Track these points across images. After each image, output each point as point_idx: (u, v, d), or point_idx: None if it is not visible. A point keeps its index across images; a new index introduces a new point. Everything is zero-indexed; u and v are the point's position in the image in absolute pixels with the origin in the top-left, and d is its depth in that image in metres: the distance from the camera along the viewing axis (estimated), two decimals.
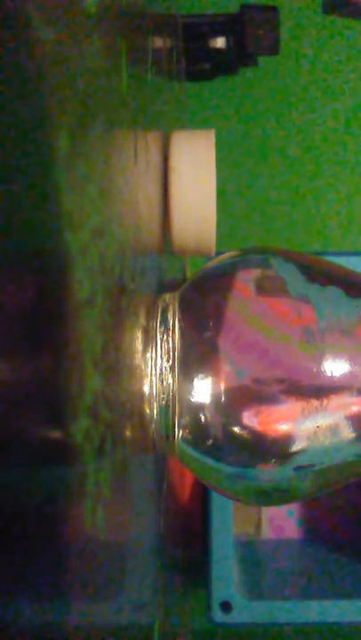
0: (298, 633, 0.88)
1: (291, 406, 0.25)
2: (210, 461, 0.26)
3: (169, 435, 0.26)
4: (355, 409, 0.25)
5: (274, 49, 0.86)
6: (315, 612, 0.75)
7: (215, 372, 0.25)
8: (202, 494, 0.78)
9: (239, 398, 0.25)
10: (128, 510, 0.23)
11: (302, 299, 0.26)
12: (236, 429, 0.25)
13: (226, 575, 0.74)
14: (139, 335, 0.25)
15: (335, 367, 0.25)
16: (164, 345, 0.26)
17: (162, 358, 0.26)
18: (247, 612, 0.75)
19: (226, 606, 0.74)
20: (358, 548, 0.90)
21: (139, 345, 0.25)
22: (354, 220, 0.97)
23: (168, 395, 0.25)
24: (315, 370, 0.25)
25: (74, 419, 0.14)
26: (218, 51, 0.85)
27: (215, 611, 0.74)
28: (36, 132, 0.12)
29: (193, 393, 0.25)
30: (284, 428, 0.25)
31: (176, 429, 0.26)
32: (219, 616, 0.74)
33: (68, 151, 0.14)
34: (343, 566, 0.86)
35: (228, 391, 0.25)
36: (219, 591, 0.74)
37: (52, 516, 0.13)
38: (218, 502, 0.74)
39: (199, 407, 0.25)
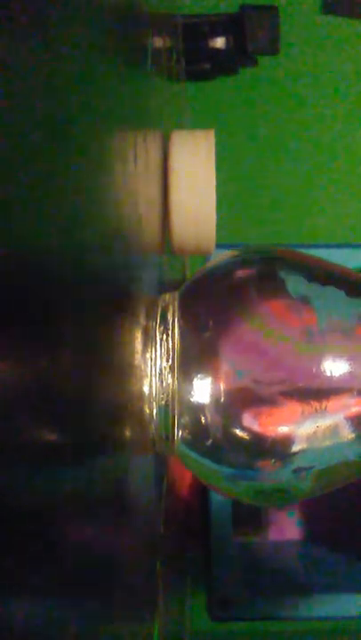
0: (298, 628, 0.88)
1: (290, 407, 0.25)
2: (209, 462, 0.26)
3: (169, 435, 0.26)
4: (354, 410, 0.25)
5: (274, 49, 0.86)
6: (314, 608, 0.75)
7: (215, 373, 0.25)
8: (202, 494, 0.78)
9: (239, 399, 0.25)
10: (128, 510, 0.23)
11: (302, 299, 0.26)
12: (236, 430, 0.25)
13: (225, 572, 0.74)
14: (139, 335, 0.25)
15: (335, 368, 0.25)
16: (164, 345, 0.26)
17: (162, 358, 0.26)
18: (247, 607, 0.75)
19: (226, 602, 0.74)
20: (359, 547, 0.90)
21: (139, 345, 0.25)
22: (354, 217, 0.97)
23: (168, 395, 0.25)
24: (314, 370, 0.25)
25: (73, 419, 0.14)
26: (218, 51, 0.85)
27: (215, 607, 0.74)
28: (36, 132, 0.12)
29: (193, 393, 0.25)
30: (283, 428, 0.25)
31: (176, 429, 0.26)
32: (219, 612, 0.74)
33: (67, 152, 0.14)
34: (344, 565, 0.86)
35: (228, 391, 0.25)
36: (218, 587, 0.74)
37: (52, 516, 0.13)
38: (218, 502, 0.74)
39: (199, 407, 0.25)
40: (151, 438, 0.26)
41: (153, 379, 0.26)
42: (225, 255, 0.29)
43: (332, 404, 0.25)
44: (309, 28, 0.96)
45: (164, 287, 0.38)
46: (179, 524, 0.58)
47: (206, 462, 0.26)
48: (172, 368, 0.26)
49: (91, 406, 0.16)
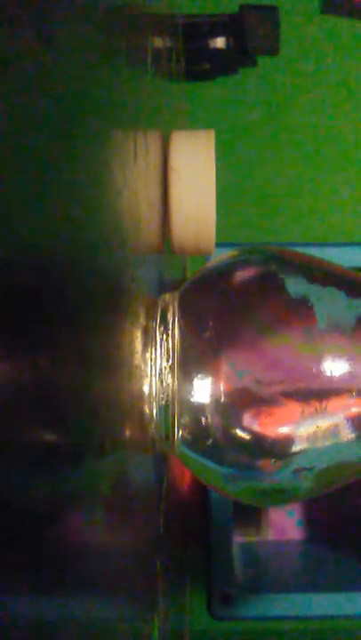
0: (298, 628, 0.88)
1: (290, 407, 0.25)
2: (209, 462, 0.26)
3: (169, 435, 0.26)
4: (354, 410, 0.25)
5: (273, 49, 0.86)
6: (315, 606, 0.75)
7: (215, 373, 0.25)
8: (202, 494, 0.78)
9: (239, 399, 0.25)
10: (128, 510, 0.23)
11: (302, 299, 0.26)
12: (236, 430, 0.25)
13: (226, 571, 0.74)
14: (139, 335, 0.25)
15: (335, 368, 0.25)
16: (164, 345, 0.26)
17: (162, 358, 0.26)
18: (247, 607, 0.75)
19: (227, 599, 0.74)
20: (359, 547, 0.90)
21: (139, 345, 0.25)
22: (354, 217, 0.97)
23: (168, 395, 0.25)
24: (314, 370, 0.25)
25: (74, 419, 0.14)
26: (218, 51, 0.85)
27: (216, 604, 0.74)
28: (36, 132, 0.12)
29: (193, 393, 0.25)
30: (283, 428, 0.25)
31: (176, 429, 0.26)
32: (219, 611, 0.74)
33: (67, 151, 0.14)
34: (344, 564, 0.86)
35: (228, 391, 0.25)
36: (219, 584, 0.74)
37: (52, 515, 0.13)
38: (218, 502, 0.74)
39: (199, 407, 0.25)
40: (151, 438, 0.26)
41: (153, 379, 0.26)
42: (225, 255, 0.29)
43: (332, 404, 0.25)
44: (309, 28, 0.96)
45: (164, 287, 0.38)
46: (179, 523, 0.58)
47: (206, 462, 0.26)
48: (172, 368, 0.26)
49: (91, 406, 0.16)
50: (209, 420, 0.25)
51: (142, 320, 0.26)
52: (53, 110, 0.13)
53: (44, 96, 0.12)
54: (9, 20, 0.10)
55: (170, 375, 0.26)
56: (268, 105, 0.97)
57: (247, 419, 0.25)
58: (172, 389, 0.25)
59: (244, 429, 0.25)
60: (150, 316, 0.27)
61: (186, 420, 0.26)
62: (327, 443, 0.25)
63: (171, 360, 0.26)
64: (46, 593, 0.13)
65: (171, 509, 0.43)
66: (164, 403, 0.26)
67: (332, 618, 0.76)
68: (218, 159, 0.37)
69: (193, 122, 0.92)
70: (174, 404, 0.25)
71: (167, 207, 0.36)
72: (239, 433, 0.25)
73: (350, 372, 0.25)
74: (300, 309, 0.26)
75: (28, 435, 0.11)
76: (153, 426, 0.26)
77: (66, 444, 0.14)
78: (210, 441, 0.26)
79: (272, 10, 0.85)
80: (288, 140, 0.97)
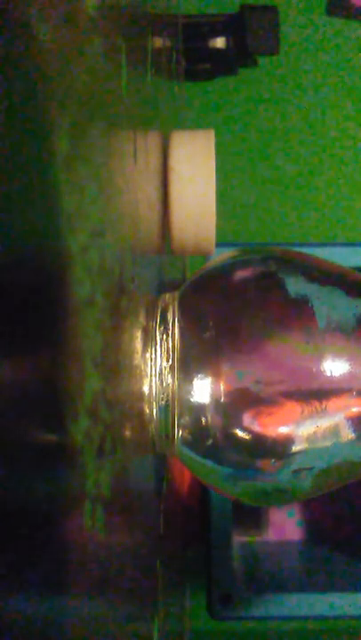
0: (298, 628, 0.88)
1: (290, 407, 0.25)
2: (209, 462, 0.26)
3: (169, 435, 0.26)
4: (354, 410, 0.25)
5: (274, 49, 0.86)
6: (315, 606, 0.75)
7: (215, 373, 0.25)
8: (202, 494, 0.78)
9: (239, 399, 0.25)
10: (128, 510, 0.23)
11: (302, 299, 0.26)
12: (236, 430, 0.25)
13: (226, 571, 0.74)
14: (138, 335, 0.25)
15: (335, 368, 0.25)
16: (164, 345, 0.26)
17: (162, 358, 0.26)
18: (247, 607, 0.75)
19: (226, 599, 0.74)
20: (359, 547, 0.90)
21: (138, 345, 0.25)
22: (354, 216, 0.97)
23: (168, 395, 0.25)
24: (314, 370, 0.25)
25: (73, 419, 0.14)
26: (218, 51, 0.85)
27: (215, 606, 0.74)
28: (36, 131, 0.12)
29: (193, 393, 0.25)
30: (283, 428, 0.25)
31: (176, 429, 0.26)
32: (219, 611, 0.74)
33: (67, 151, 0.14)
34: (344, 564, 0.86)
35: (228, 391, 0.25)
36: (219, 584, 0.74)
37: (52, 515, 0.13)
38: (218, 502, 0.74)
39: (199, 407, 0.25)
40: (151, 438, 0.26)
41: (153, 379, 0.26)
42: (225, 255, 0.29)
43: (332, 403, 0.25)
44: (309, 29, 0.96)
45: (164, 287, 0.38)
46: (179, 523, 0.58)
47: (206, 462, 0.26)
48: (172, 368, 0.26)
49: (90, 406, 0.16)
50: (209, 420, 0.25)
51: (142, 320, 0.26)
52: (54, 111, 0.13)
53: (44, 97, 0.12)
54: (8, 22, 0.10)
55: (170, 375, 0.26)
56: (268, 105, 0.97)
57: (247, 419, 0.25)
58: (172, 389, 0.25)
59: (243, 429, 0.25)
60: (150, 316, 0.27)
61: (186, 419, 0.26)
62: (327, 443, 0.25)
63: (171, 360, 0.26)
64: (46, 593, 0.13)
65: (171, 509, 0.43)
66: (164, 403, 0.26)
67: (332, 618, 0.76)
68: (218, 159, 0.37)
69: (193, 122, 0.92)
70: (174, 404, 0.25)
71: (167, 207, 0.36)
72: (239, 433, 0.25)
73: (350, 372, 0.25)
74: (300, 309, 0.26)
75: (27, 435, 0.11)
76: (153, 426, 0.26)
77: (65, 444, 0.14)
78: (210, 441, 0.26)
79: (272, 10, 0.85)
80: (288, 140, 0.97)
